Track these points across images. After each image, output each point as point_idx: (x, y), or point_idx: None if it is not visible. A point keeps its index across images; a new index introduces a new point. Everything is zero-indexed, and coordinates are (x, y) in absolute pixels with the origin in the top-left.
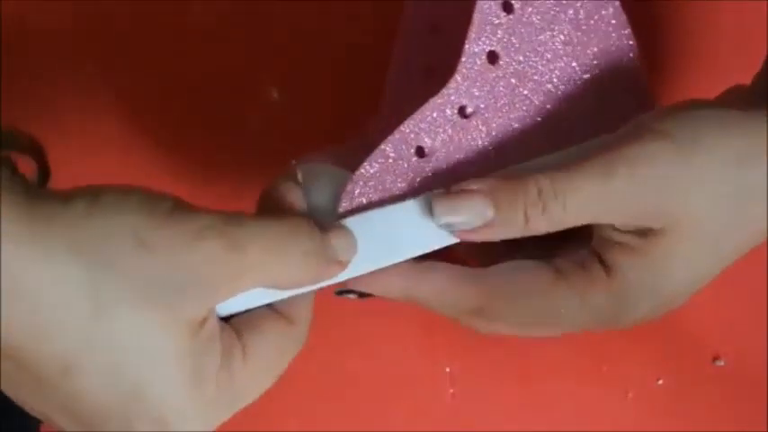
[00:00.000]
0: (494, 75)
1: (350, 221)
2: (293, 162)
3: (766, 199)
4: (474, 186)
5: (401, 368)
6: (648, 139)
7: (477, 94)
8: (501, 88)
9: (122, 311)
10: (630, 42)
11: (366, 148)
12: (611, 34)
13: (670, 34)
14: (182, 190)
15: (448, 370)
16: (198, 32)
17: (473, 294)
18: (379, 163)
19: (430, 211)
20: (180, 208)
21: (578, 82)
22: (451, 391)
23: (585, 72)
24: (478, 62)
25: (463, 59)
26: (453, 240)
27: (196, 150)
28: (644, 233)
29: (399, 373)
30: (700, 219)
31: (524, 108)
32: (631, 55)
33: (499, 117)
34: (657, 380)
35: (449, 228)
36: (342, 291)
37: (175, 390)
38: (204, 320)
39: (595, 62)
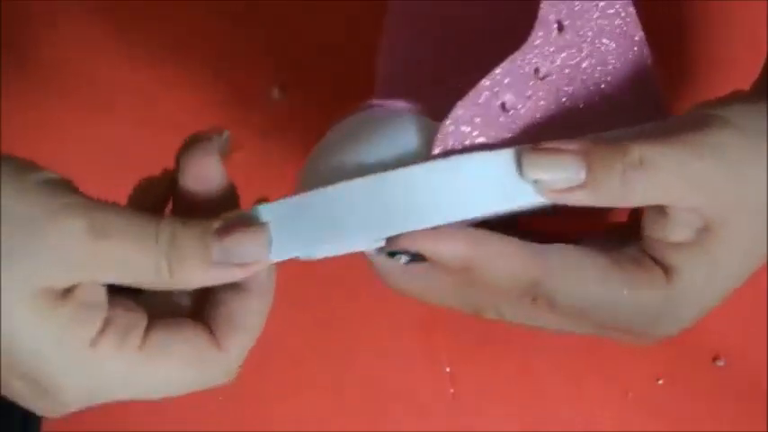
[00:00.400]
0: (561, 43)
1: (435, 167)
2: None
3: None
4: (568, 146)
5: (401, 368)
6: (718, 127)
7: (549, 57)
8: (564, 58)
9: None
10: (644, 48)
11: None
12: (625, 34)
13: (673, 35)
14: None
15: (448, 370)
16: (198, 33)
17: (533, 265)
18: (469, 111)
19: (518, 165)
20: (53, 183)
21: (599, 79)
22: (451, 390)
23: (604, 70)
24: (552, 28)
25: (538, 23)
26: (538, 200)
27: None
28: (701, 230)
29: (399, 373)
30: (757, 212)
31: (573, 85)
32: (645, 60)
33: (564, 85)
34: (657, 380)
35: (537, 185)
36: (392, 252)
37: (40, 348)
38: (67, 292)
39: (612, 61)
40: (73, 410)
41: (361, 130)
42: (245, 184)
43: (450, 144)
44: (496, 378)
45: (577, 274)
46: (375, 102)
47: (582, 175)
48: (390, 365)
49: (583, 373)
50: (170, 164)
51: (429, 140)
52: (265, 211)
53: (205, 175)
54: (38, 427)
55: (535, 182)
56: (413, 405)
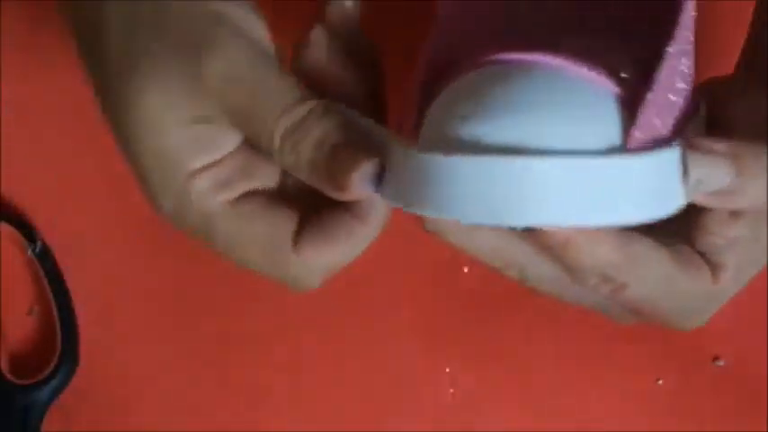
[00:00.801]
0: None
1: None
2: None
3: None
4: (719, 147)
5: (401, 368)
6: None
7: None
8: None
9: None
10: None
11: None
12: None
13: None
14: None
15: (448, 370)
16: None
17: (612, 246)
18: (659, 99)
19: (683, 163)
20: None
21: None
22: (451, 390)
23: None
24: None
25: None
26: (683, 201)
27: None
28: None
29: (399, 373)
30: None
31: None
32: None
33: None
34: (657, 380)
35: (699, 185)
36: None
37: (152, 147)
38: (201, 119)
39: None
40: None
41: (542, 93)
42: None
43: (650, 136)
44: (496, 378)
45: (652, 268)
46: (515, 57)
47: (729, 179)
48: (390, 366)
49: (583, 373)
50: None
51: (620, 121)
52: (405, 156)
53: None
54: (38, 427)
55: (698, 181)
56: (413, 405)
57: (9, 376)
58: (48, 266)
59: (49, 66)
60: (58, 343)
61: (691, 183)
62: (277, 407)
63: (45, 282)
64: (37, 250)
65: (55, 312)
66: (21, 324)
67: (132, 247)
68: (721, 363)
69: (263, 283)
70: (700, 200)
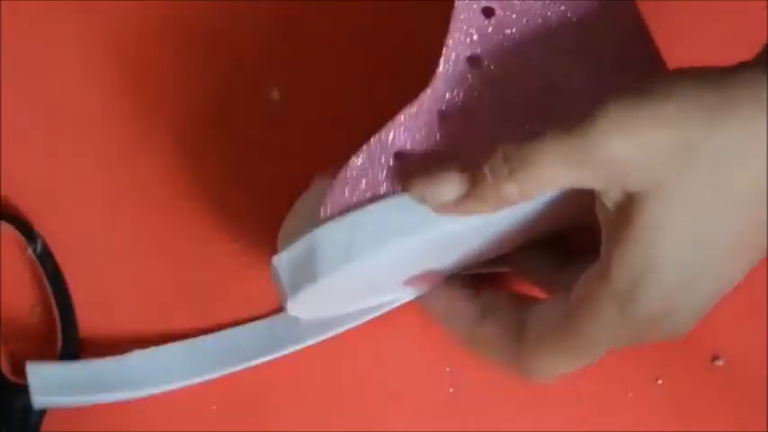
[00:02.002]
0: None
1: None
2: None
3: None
4: (445, 165)
5: (401, 368)
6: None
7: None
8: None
9: None
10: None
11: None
12: None
13: (673, 35)
14: (179, 190)
15: (448, 370)
16: (198, 32)
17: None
18: (357, 169)
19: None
20: None
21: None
22: (451, 390)
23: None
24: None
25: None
26: (437, 226)
27: (196, 151)
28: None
29: (399, 373)
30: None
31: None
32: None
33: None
34: (657, 380)
35: (422, 200)
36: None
37: None
38: None
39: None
40: None
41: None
42: (245, 184)
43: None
44: (496, 378)
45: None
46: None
47: (462, 186)
48: (390, 365)
49: (582, 373)
50: (167, 160)
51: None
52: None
53: None
54: (38, 427)
55: (422, 198)
56: (413, 405)
57: (10, 376)
58: (48, 266)
59: (49, 65)
60: (59, 343)
61: (416, 199)
62: (277, 407)
63: (45, 282)
64: (37, 250)
65: (55, 312)
66: (21, 324)
67: (132, 247)
68: (721, 363)
69: (262, 285)
70: (442, 211)
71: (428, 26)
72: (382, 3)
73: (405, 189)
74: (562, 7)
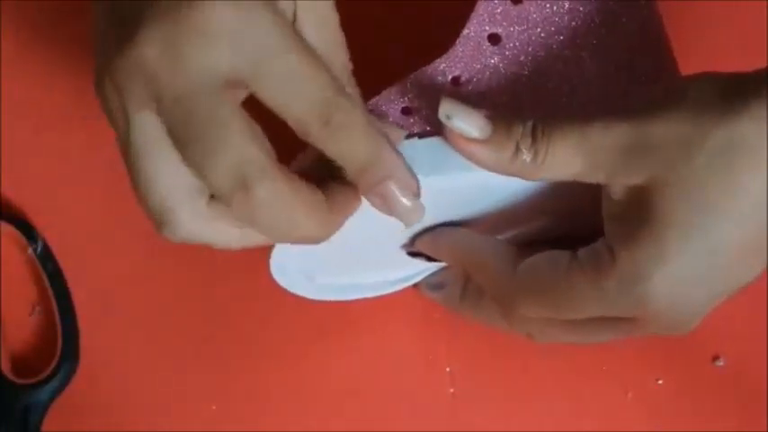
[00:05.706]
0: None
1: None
2: None
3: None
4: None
5: (401, 368)
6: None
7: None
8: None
9: None
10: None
11: None
12: None
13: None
14: None
15: (448, 370)
16: None
17: (511, 288)
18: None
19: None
20: None
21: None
22: (451, 390)
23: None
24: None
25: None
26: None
27: None
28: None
29: (399, 373)
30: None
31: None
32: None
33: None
34: (657, 380)
35: (448, 121)
36: (413, 252)
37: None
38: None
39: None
40: None
41: None
42: None
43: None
44: (496, 378)
45: (541, 283)
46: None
47: (487, 131)
48: (390, 366)
49: (583, 373)
50: None
51: None
52: None
53: None
54: (38, 427)
55: (448, 119)
56: (413, 405)
57: (10, 376)
58: (48, 266)
59: (49, 66)
60: (59, 343)
61: (444, 119)
62: (277, 407)
63: (46, 282)
64: (38, 250)
65: (55, 312)
66: (21, 324)
67: (132, 248)
68: (721, 363)
69: (262, 284)
70: (458, 144)
71: (431, 25)
72: (383, 3)
73: (440, 103)
74: (587, 8)
